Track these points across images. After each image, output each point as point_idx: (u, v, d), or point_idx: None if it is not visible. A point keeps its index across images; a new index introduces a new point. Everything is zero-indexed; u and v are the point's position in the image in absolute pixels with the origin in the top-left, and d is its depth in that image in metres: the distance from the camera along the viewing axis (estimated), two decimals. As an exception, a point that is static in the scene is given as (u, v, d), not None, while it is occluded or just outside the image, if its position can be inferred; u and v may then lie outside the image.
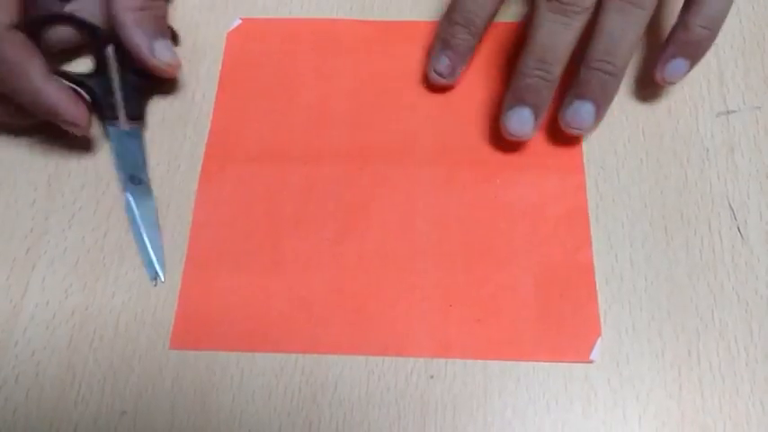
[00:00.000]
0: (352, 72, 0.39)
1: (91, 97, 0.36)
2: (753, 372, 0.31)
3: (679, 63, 0.35)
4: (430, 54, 0.37)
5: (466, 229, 0.35)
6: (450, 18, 0.36)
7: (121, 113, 0.36)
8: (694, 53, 0.35)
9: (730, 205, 0.35)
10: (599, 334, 0.32)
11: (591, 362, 0.32)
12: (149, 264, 0.34)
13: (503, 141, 0.36)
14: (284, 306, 0.33)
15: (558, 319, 0.32)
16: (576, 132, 0.35)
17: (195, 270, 0.34)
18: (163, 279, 0.34)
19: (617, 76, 0.34)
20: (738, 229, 0.34)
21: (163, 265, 0.34)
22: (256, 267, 0.34)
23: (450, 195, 0.35)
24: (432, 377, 0.32)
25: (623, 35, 0.33)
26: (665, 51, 0.35)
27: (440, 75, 0.37)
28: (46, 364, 0.32)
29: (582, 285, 0.33)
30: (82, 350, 0.32)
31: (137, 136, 0.36)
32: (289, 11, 0.41)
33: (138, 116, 0.37)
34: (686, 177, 0.35)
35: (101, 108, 0.36)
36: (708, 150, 0.36)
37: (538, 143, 0.37)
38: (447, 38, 0.36)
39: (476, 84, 0.38)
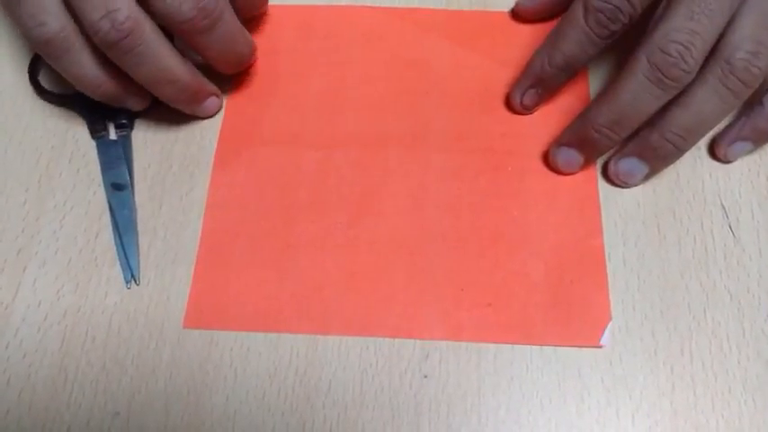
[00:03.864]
0: (366, 58, 0.39)
1: (81, 115, 0.37)
2: (745, 370, 0.31)
3: (743, 145, 0.35)
4: (518, 82, 0.36)
5: (478, 214, 0.35)
6: (550, 59, 0.34)
7: (110, 125, 0.36)
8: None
9: (722, 204, 0.35)
10: (609, 319, 0.32)
11: (600, 347, 0.32)
12: (125, 267, 0.34)
13: (514, 129, 0.37)
14: (297, 288, 0.33)
15: (568, 304, 0.33)
16: (618, 183, 0.35)
17: (209, 252, 0.34)
18: (138, 282, 0.33)
19: (684, 153, 0.33)
20: (730, 227, 0.34)
21: (138, 269, 0.34)
22: (270, 249, 0.34)
23: (462, 182, 0.36)
24: (425, 377, 0.32)
25: (711, 118, 0.32)
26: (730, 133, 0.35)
27: (525, 107, 0.36)
28: (38, 365, 0.32)
29: (592, 272, 0.33)
30: (74, 351, 0.32)
31: (124, 143, 0.36)
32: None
33: (126, 124, 0.37)
34: (678, 176, 0.35)
35: (90, 124, 0.37)
36: (699, 149, 0.36)
37: (548, 130, 0.37)
38: (543, 78, 0.35)
39: (489, 72, 0.38)
